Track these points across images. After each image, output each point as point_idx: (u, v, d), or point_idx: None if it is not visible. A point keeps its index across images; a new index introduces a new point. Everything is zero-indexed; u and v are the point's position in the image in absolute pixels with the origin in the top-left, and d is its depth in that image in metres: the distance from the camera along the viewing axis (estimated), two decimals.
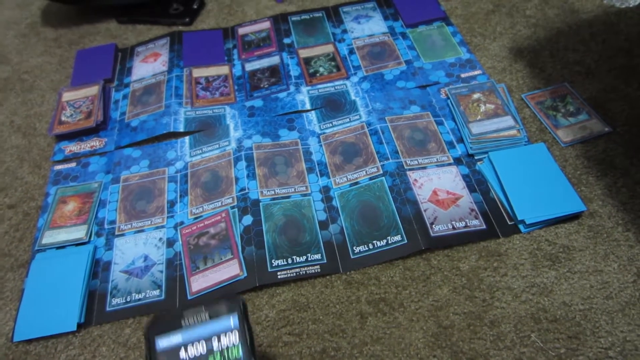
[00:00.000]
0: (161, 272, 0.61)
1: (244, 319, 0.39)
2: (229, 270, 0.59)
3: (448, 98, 0.74)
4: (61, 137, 0.79)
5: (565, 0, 0.88)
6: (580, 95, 0.73)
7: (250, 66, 0.86)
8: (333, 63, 0.84)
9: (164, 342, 0.38)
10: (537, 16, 0.86)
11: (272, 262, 0.59)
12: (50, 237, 0.66)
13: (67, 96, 0.84)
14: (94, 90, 0.84)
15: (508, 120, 0.69)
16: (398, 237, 0.60)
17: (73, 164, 0.75)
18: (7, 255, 0.66)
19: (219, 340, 0.38)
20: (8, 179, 0.75)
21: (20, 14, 1.06)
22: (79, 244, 0.65)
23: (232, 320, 0.39)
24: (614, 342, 0.51)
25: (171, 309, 0.40)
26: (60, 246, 0.65)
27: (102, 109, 0.81)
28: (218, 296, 0.40)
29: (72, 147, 0.78)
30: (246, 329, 0.39)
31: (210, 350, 0.38)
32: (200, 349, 0.38)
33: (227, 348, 0.38)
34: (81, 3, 0.99)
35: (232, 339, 0.38)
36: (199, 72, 0.85)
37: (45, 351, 0.57)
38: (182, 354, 0.38)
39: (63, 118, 0.80)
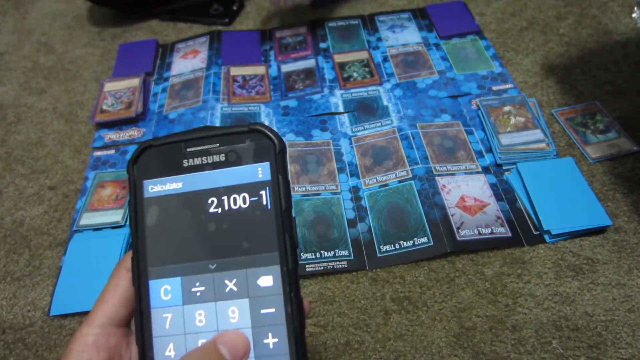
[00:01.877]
0: None
1: (279, 170, 0.27)
2: None
3: (479, 109, 0.76)
4: (101, 125, 0.83)
5: (600, 22, 0.89)
6: (610, 114, 0.74)
7: (286, 67, 0.88)
8: (367, 69, 0.86)
9: (155, 188, 0.28)
10: (570, 35, 0.88)
11: (301, 255, 0.61)
12: (88, 219, 0.69)
13: (109, 86, 0.87)
14: (134, 82, 0.87)
15: (538, 134, 0.71)
16: (424, 239, 0.61)
17: (112, 151, 0.78)
18: (46, 234, 0.69)
19: (236, 197, 0.27)
20: (49, 162, 0.79)
21: (67, 6, 1.11)
22: (115, 227, 0.68)
23: (261, 171, 0.27)
24: (634, 354, 0.52)
25: (170, 138, 0.28)
26: (97, 228, 0.68)
27: (142, 101, 0.84)
28: (238, 126, 0.28)
29: (112, 135, 0.81)
30: (281, 186, 0.27)
31: (221, 212, 0.27)
32: (207, 205, 0.27)
33: (250, 209, 0.27)
34: (134, 11, 1.03)
35: (256, 198, 0.27)
36: (237, 71, 0.88)
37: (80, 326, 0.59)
38: (179, 207, 0.27)
39: (104, 107, 0.84)
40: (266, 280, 0.26)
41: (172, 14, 1.03)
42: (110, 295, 0.28)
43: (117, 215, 0.69)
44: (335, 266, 0.61)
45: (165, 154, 0.28)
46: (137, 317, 0.27)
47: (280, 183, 0.27)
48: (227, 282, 0.27)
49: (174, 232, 0.27)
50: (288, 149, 0.73)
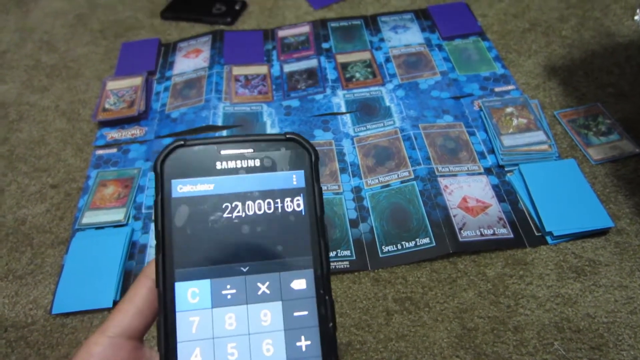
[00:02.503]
0: None
1: (314, 178, 0.28)
2: None
3: (481, 110, 0.76)
4: (104, 124, 0.83)
5: (602, 24, 0.89)
6: (612, 115, 0.74)
7: (288, 67, 0.88)
8: (369, 69, 0.86)
9: (185, 188, 0.27)
10: (572, 37, 0.88)
11: None
12: (90, 218, 0.69)
13: (111, 85, 0.87)
14: (137, 81, 0.87)
15: (540, 135, 0.71)
16: (427, 240, 0.62)
17: (114, 150, 0.78)
18: (48, 232, 0.69)
19: (270, 202, 0.27)
20: (51, 160, 0.79)
21: (69, 5, 1.11)
22: (117, 225, 0.68)
23: (296, 178, 0.28)
24: (636, 355, 0.52)
25: (202, 139, 0.28)
26: (99, 227, 0.68)
27: (144, 100, 0.84)
28: (275, 134, 0.28)
29: (114, 134, 0.81)
30: (316, 194, 0.28)
31: (254, 216, 0.27)
32: (240, 208, 0.27)
33: (283, 214, 0.27)
34: None
35: (291, 204, 0.28)
36: (239, 70, 0.88)
37: (82, 325, 0.59)
38: (211, 209, 0.27)
39: (107, 106, 0.84)
40: (300, 284, 0.26)
41: (174, 12, 1.03)
42: (126, 304, 0.28)
43: (119, 214, 0.69)
44: (337, 266, 0.61)
45: (197, 154, 0.28)
46: (161, 321, 0.26)
47: (315, 190, 0.28)
48: (259, 284, 0.27)
49: (204, 234, 0.27)
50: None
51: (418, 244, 0.61)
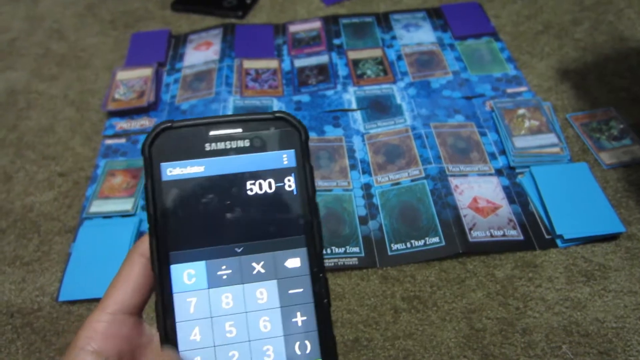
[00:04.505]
0: None
1: (304, 157, 0.28)
2: None
3: (493, 111, 0.75)
4: (113, 114, 0.82)
5: (615, 28, 0.89)
6: (625, 120, 0.73)
7: (299, 62, 0.88)
8: (381, 67, 0.85)
9: (174, 171, 0.27)
10: (585, 40, 0.87)
11: None
12: (98, 207, 0.69)
13: (121, 75, 0.87)
14: (147, 72, 0.87)
15: (552, 138, 0.70)
16: (436, 239, 0.61)
17: (123, 140, 0.78)
18: (55, 220, 0.69)
19: (261, 182, 0.27)
20: (60, 148, 0.78)
21: None
22: (125, 215, 0.68)
23: (287, 158, 0.28)
24: None
25: (190, 120, 0.27)
26: (107, 216, 0.68)
27: (154, 91, 0.84)
28: (263, 113, 0.28)
29: (123, 124, 0.81)
30: (307, 173, 0.27)
31: (246, 196, 0.27)
32: (232, 189, 0.27)
33: (275, 194, 0.27)
34: None
35: (282, 184, 0.27)
36: (249, 64, 0.88)
37: (88, 313, 0.59)
38: (202, 191, 0.27)
39: (116, 96, 0.83)
40: (294, 262, 0.27)
41: (185, 4, 1.03)
42: (122, 282, 0.28)
43: (127, 204, 0.68)
44: (345, 262, 0.60)
45: (185, 136, 0.27)
46: (159, 303, 0.26)
47: (306, 170, 0.27)
48: (254, 264, 0.27)
49: (197, 216, 0.27)
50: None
51: (427, 243, 0.61)
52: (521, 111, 0.74)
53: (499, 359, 0.53)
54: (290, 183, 0.27)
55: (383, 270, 0.61)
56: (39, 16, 1.06)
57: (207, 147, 0.27)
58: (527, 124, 0.72)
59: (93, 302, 0.60)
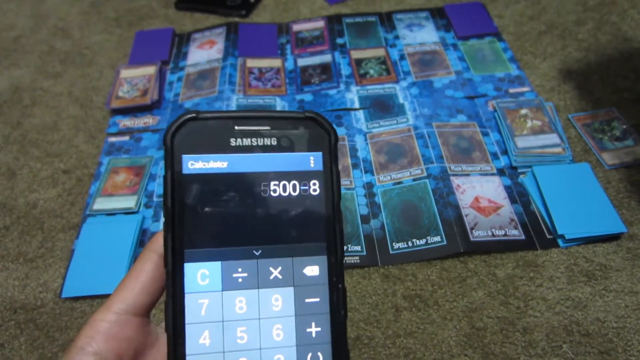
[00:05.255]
0: None
1: (332, 161, 0.27)
2: None
3: (495, 111, 0.75)
4: (116, 112, 0.83)
5: (619, 28, 0.89)
6: (628, 121, 0.73)
7: (302, 62, 0.88)
8: (384, 66, 0.86)
9: (196, 164, 0.26)
10: (589, 41, 0.87)
11: None
12: (101, 204, 0.69)
13: (125, 73, 0.87)
14: (150, 70, 0.87)
15: (554, 138, 0.70)
16: (438, 238, 0.61)
17: (126, 138, 0.79)
18: (59, 217, 0.69)
19: (285, 184, 0.26)
20: (64, 145, 0.79)
21: None
22: (128, 212, 0.68)
23: (314, 160, 0.27)
24: None
25: (217, 112, 0.26)
26: (110, 213, 0.68)
27: (157, 89, 0.84)
28: (293, 112, 0.27)
29: (127, 122, 0.81)
30: (334, 178, 0.27)
31: (269, 197, 0.26)
32: (254, 188, 0.26)
33: (299, 197, 0.26)
34: None
35: (307, 187, 0.27)
36: (253, 63, 0.88)
37: (90, 309, 0.60)
38: (223, 188, 0.26)
39: (120, 94, 0.84)
40: (313, 270, 0.26)
41: (189, 2, 1.03)
42: (131, 280, 0.26)
43: (130, 202, 0.69)
44: (347, 261, 0.61)
45: (210, 129, 0.26)
46: (169, 303, 0.25)
47: (333, 174, 0.26)
48: (272, 269, 0.26)
49: (216, 214, 0.26)
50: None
51: (429, 242, 0.61)
52: (523, 111, 0.74)
53: (500, 358, 0.53)
54: (315, 187, 0.26)
55: (384, 269, 0.61)
56: (43, 14, 1.06)
57: (232, 142, 0.26)
58: (529, 124, 0.72)
59: (96, 299, 0.60)
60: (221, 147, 0.26)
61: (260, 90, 0.83)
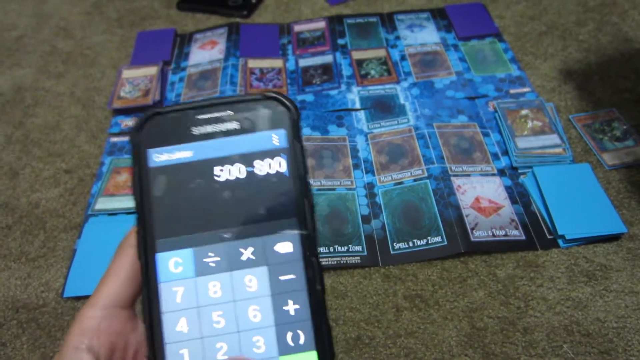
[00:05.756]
0: None
1: (295, 137, 0.27)
2: None
3: (496, 111, 0.76)
4: (118, 112, 0.83)
5: (620, 29, 0.89)
6: (628, 121, 0.74)
7: (303, 62, 0.88)
8: (385, 67, 0.86)
9: (162, 157, 0.26)
10: (589, 41, 0.88)
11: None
12: (103, 204, 0.69)
13: (127, 74, 0.88)
14: (152, 70, 0.88)
15: (554, 139, 0.71)
16: (438, 239, 0.62)
17: (128, 138, 0.79)
18: (61, 217, 0.69)
19: (251, 164, 0.26)
20: (66, 145, 0.79)
21: None
22: (130, 212, 0.68)
23: (277, 138, 0.27)
24: None
25: (178, 105, 0.27)
26: (112, 213, 0.68)
27: (159, 89, 0.84)
28: (252, 94, 0.26)
29: (128, 122, 0.81)
30: (298, 153, 0.27)
31: (235, 180, 0.26)
32: (220, 173, 0.26)
33: (266, 176, 0.26)
34: None
35: (272, 165, 0.26)
36: (254, 63, 0.89)
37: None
38: (190, 177, 0.26)
39: (122, 94, 0.84)
40: (285, 247, 0.26)
41: (191, 3, 1.03)
42: (112, 274, 0.27)
43: (132, 202, 0.69)
44: (348, 261, 0.61)
45: (173, 122, 0.27)
46: (144, 293, 0.26)
47: (297, 149, 0.27)
48: (242, 250, 0.26)
49: (184, 202, 0.26)
50: (304, 144, 0.73)
51: (429, 242, 0.62)
52: (524, 112, 0.74)
53: (500, 358, 0.53)
54: (280, 164, 0.26)
55: (385, 269, 0.61)
56: (45, 14, 1.06)
57: (195, 131, 0.26)
58: (530, 124, 0.72)
59: None
60: (184, 137, 0.26)
61: (262, 90, 0.84)
